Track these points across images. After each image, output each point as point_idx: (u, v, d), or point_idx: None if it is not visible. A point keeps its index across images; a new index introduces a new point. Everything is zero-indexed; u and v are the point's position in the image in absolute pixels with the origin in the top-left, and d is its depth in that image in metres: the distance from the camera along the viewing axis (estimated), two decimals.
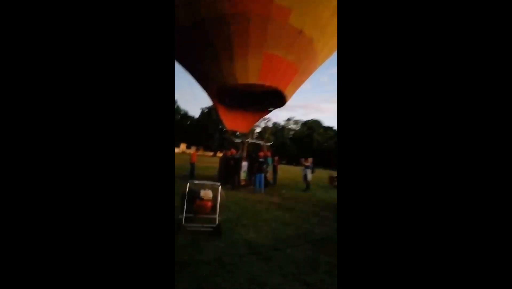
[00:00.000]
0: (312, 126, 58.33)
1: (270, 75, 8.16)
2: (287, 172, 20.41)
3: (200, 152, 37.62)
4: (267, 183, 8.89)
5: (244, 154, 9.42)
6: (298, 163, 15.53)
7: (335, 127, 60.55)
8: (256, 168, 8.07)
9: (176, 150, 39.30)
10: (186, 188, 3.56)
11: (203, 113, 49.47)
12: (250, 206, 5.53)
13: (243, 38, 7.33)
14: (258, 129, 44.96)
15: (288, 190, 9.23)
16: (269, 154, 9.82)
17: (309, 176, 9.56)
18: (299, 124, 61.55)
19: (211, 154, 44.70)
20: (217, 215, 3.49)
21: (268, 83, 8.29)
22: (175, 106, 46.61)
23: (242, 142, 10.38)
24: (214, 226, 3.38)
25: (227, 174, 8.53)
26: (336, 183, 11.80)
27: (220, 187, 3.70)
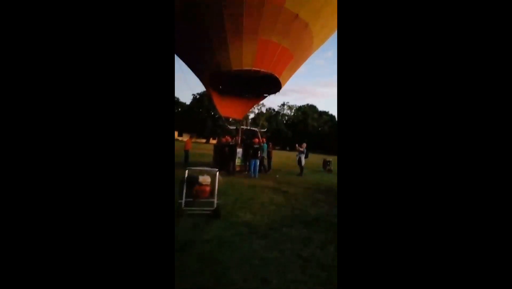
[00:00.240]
0: (307, 111, 58.33)
1: (265, 61, 8.07)
2: (282, 157, 20.73)
3: (193, 139, 37.41)
4: (262, 168, 9.11)
5: (239, 140, 9.53)
6: (292, 148, 15.69)
7: (330, 112, 60.58)
8: (251, 154, 8.23)
9: None
10: (185, 174, 3.71)
11: (195, 100, 48.51)
12: (246, 190, 5.73)
13: (237, 23, 7.18)
14: (252, 115, 44.81)
15: (283, 174, 9.49)
16: (264, 140, 9.96)
17: (303, 160, 9.80)
18: (294, 110, 61.40)
19: (203, 140, 44.48)
20: (215, 198, 3.69)
21: (263, 69, 8.23)
22: None
23: (237, 129, 10.44)
24: (213, 208, 3.59)
25: (222, 161, 8.66)
26: (329, 167, 12.13)
27: (218, 173, 3.90)
